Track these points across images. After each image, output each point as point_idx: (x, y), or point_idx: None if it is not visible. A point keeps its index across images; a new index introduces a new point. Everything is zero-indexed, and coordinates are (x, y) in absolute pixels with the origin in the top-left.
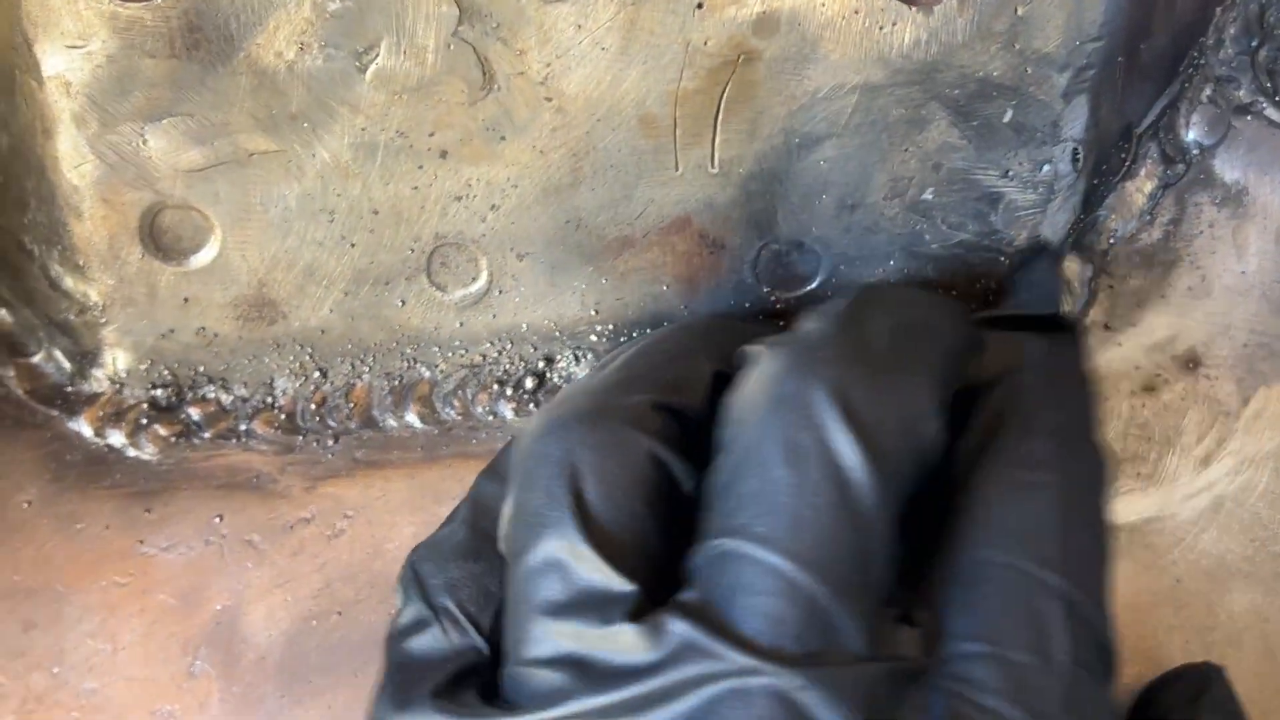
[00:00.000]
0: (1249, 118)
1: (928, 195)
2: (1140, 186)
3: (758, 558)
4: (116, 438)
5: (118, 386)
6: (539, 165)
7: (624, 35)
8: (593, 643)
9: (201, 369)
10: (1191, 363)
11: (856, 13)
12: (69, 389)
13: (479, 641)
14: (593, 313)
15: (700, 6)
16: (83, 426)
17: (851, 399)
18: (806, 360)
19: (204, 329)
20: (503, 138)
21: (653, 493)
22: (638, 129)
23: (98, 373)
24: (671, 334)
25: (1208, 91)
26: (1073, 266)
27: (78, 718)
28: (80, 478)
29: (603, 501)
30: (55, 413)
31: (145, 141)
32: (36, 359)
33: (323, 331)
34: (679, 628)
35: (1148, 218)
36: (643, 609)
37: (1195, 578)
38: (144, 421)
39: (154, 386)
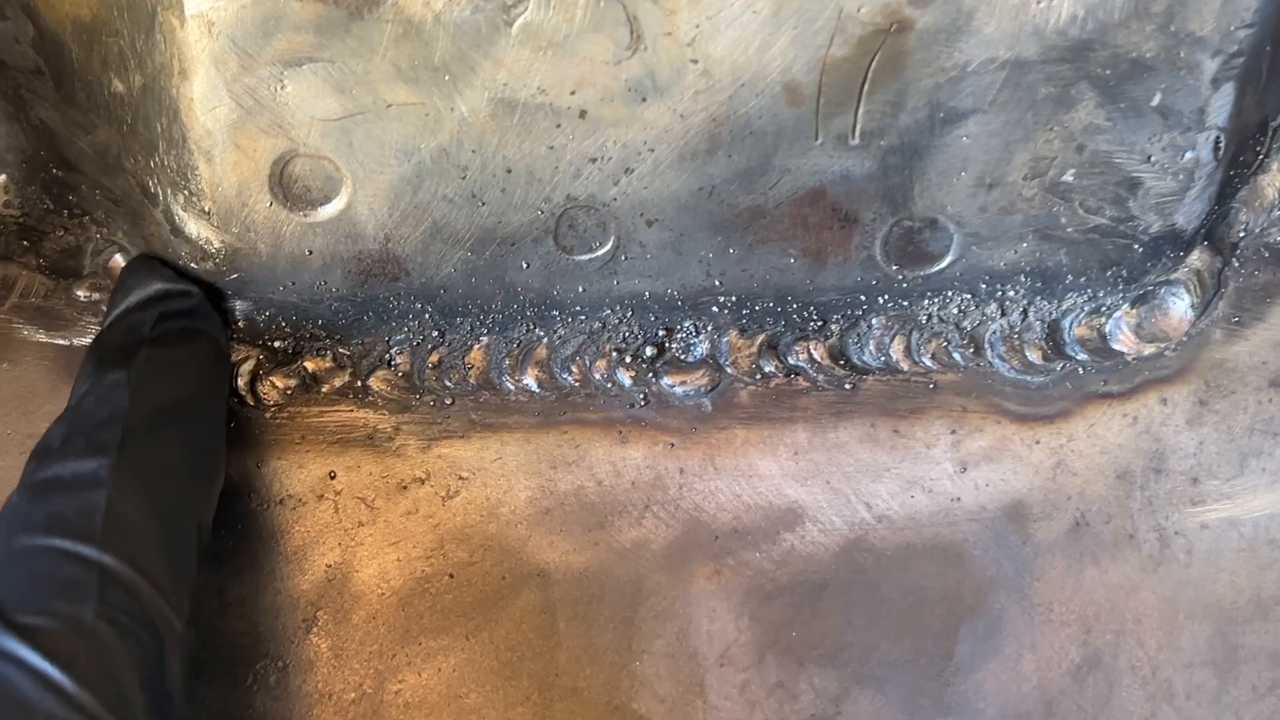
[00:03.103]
0: None
1: (1068, 177)
2: (1272, 181)
3: None
4: None
5: (234, 336)
6: (678, 129)
7: None
8: None
9: (320, 322)
10: None
11: None
12: None
13: None
14: (716, 283)
15: None
16: None
17: None
18: None
19: (325, 282)
20: (644, 99)
21: None
22: (781, 96)
23: None
24: None
25: None
26: (1203, 258)
27: None
28: None
29: None
30: None
31: (284, 87)
32: None
33: (444, 290)
34: None
35: (1277, 213)
36: None
37: None
38: (260, 373)
39: (271, 338)
